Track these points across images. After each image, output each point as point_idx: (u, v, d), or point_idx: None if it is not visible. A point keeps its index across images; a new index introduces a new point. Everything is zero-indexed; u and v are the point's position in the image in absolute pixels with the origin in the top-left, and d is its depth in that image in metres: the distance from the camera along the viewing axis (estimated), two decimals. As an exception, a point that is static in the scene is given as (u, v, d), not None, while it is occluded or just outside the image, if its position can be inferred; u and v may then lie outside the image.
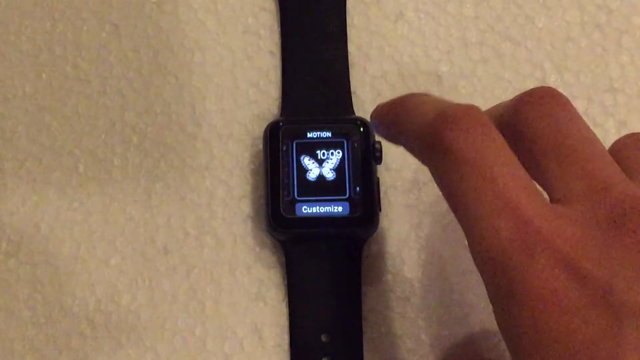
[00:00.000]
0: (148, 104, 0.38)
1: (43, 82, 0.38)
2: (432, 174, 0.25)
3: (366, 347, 0.34)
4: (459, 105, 0.25)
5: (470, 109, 0.25)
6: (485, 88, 0.37)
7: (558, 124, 0.25)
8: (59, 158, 0.37)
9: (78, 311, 0.35)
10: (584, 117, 0.35)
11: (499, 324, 0.23)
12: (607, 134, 0.36)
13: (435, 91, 0.37)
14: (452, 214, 0.35)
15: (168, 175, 0.37)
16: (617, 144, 0.27)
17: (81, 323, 0.35)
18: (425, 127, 0.25)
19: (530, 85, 0.37)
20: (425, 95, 0.28)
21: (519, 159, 0.26)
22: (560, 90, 0.36)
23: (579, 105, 0.37)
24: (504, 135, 0.27)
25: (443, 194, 0.25)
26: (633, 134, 0.27)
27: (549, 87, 0.27)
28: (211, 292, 0.35)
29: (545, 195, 0.24)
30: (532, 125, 0.26)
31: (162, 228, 0.36)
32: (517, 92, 0.36)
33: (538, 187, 0.24)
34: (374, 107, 0.36)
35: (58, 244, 0.36)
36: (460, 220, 0.24)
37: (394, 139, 0.29)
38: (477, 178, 0.23)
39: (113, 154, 0.37)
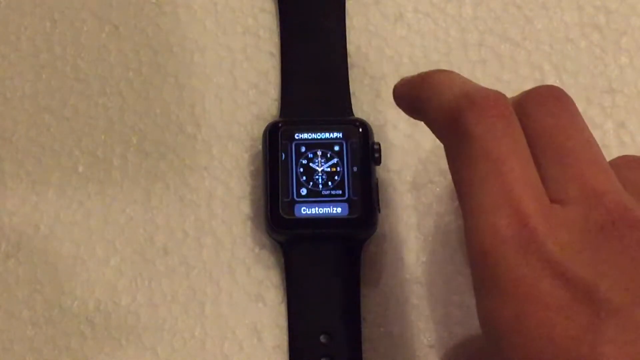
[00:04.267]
0: (147, 104, 0.38)
1: (43, 82, 0.38)
2: (446, 152, 0.26)
3: (365, 347, 0.34)
4: (487, 91, 0.25)
5: (499, 97, 0.25)
6: (484, 89, 0.37)
7: (561, 124, 0.25)
8: (59, 158, 0.37)
9: (77, 311, 0.35)
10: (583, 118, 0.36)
11: (480, 314, 0.23)
12: (606, 135, 0.36)
13: (435, 92, 0.37)
14: (450, 215, 0.35)
15: (167, 175, 0.37)
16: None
17: (81, 323, 0.35)
18: (450, 105, 0.25)
19: (529, 86, 0.37)
20: (453, 72, 0.28)
21: None
22: (559, 91, 0.37)
23: (578, 106, 0.36)
24: None
25: (452, 175, 0.25)
26: (625, 157, 0.28)
27: (556, 87, 0.27)
28: (210, 292, 0.35)
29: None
30: (536, 123, 0.26)
31: (162, 228, 0.36)
32: (516, 94, 0.36)
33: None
34: (373, 108, 0.37)
35: (57, 244, 0.36)
36: (462, 206, 0.24)
37: (415, 113, 0.29)
38: (488, 169, 0.24)
39: (112, 155, 0.37)
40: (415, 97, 0.28)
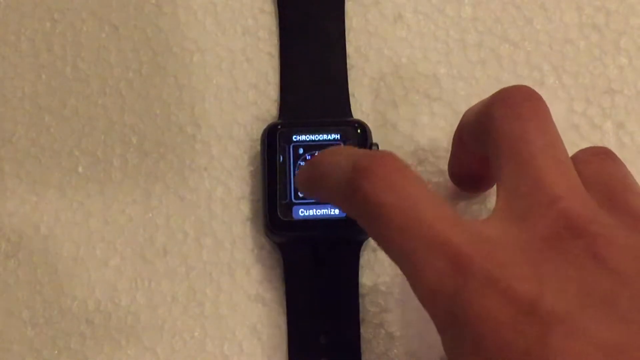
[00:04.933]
0: (147, 104, 0.38)
1: (42, 82, 0.38)
2: (359, 224, 0.26)
3: (364, 348, 0.34)
4: (372, 155, 0.26)
5: (383, 157, 0.25)
6: (483, 90, 0.37)
7: (522, 128, 0.26)
8: (58, 159, 0.37)
9: (77, 312, 0.35)
10: (583, 119, 0.36)
11: (448, 354, 0.24)
12: (605, 136, 0.36)
13: (434, 93, 0.37)
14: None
15: (167, 176, 0.37)
16: (572, 158, 0.27)
17: (80, 324, 0.35)
18: (343, 181, 0.26)
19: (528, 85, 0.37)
20: (339, 148, 0.29)
21: (488, 156, 0.27)
22: (559, 92, 0.37)
23: (578, 106, 0.37)
24: (477, 133, 0.28)
25: (375, 241, 0.26)
26: (588, 149, 0.28)
27: (524, 87, 0.27)
28: (210, 293, 0.35)
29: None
30: (498, 126, 0.26)
31: (162, 229, 0.36)
32: (515, 94, 0.36)
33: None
34: (372, 109, 0.37)
35: (57, 245, 0.36)
36: (395, 262, 0.25)
37: (318, 197, 0.30)
38: (401, 219, 0.24)
39: (112, 155, 0.37)
40: (312, 184, 0.29)
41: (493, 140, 0.27)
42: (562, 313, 0.22)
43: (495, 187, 0.31)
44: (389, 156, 0.25)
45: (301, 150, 0.34)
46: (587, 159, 0.27)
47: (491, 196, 0.34)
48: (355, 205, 0.25)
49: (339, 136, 0.35)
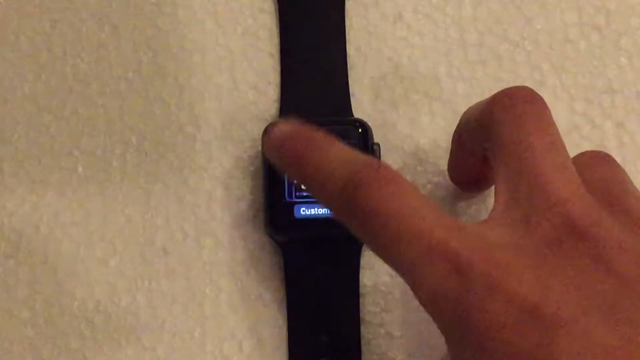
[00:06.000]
0: (147, 104, 0.38)
1: (42, 82, 0.38)
2: (356, 234, 0.26)
3: (364, 348, 0.34)
4: (366, 165, 0.25)
5: (377, 167, 0.25)
6: (483, 90, 0.37)
7: (523, 130, 0.26)
8: (58, 159, 0.37)
9: (77, 312, 0.35)
10: (583, 118, 0.36)
11: (453, 357, 0.24)
12: (606, 136, 0.36)
13: (434, 93, 0.37)
14: (450, 216, 0.35)
15: (167, 176, 0.37)
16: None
17: (80, 324, 0.35)
18: (336, 191, 0.25)
19: (529, 86, 0.37)
20: (328, 147, 0.27)
21: (489, 157, 0.27)
22: (559, 91, 0.37)
23: (578, 106, 0.37)
24: (476, 134, 0.28)
25: (372, 250, 0.26)
26: (586, 152, 0.28)
27: (525, 88, 0.27)
28: (210, 293, 0.35)
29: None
30: (498, 128, 0.26)
31: (161, 229, 0.36)
32: (516, 94, 0.36)
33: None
34: (373, 109, 0.37)
35: (57, 245, 0.36)
36: (396, 270, 0.25)
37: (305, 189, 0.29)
38: (399, 228, 0.24)
39: (112, 155, 0.37)
40: (297, 175, 0.29)
41: (493, 141, 0.27)
42: (566, 316, 0.22)
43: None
44: (383, 166, 0.25)
45: None
46: (586, 162, 0.27)
47: (491, 196, 0.34)
48: (353, 219, 0.25)
49: (340, 135, 0.34)
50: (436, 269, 0.23)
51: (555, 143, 0.26)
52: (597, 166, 0.27)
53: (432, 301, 0.24)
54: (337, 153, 0.27)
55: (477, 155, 0.31)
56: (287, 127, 0.29)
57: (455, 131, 0.32)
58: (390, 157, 0.36)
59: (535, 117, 0.26)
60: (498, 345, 0.22)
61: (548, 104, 0.26)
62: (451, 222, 0.24)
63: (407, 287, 0.34)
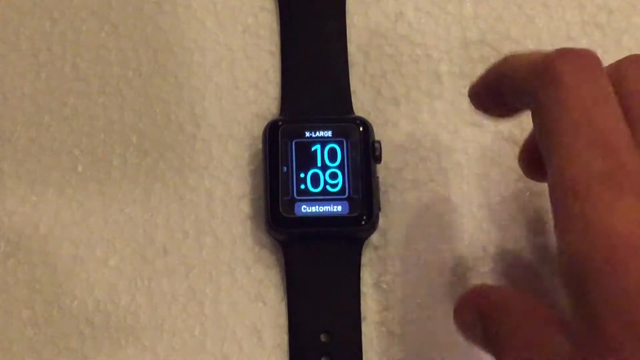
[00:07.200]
0: (147, 103, 0.38)
1: (42, 82, 0.38)
2: (533, 105, 0.25)
3: (365, 347, 0.34)
4: (578, 48, 0.25)
5: (589, 52, 0.25)
6: (485, 88, 0.37)
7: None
8: (58, 158, 0.37)
9: (77, 311, 0.35)
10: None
11: (565, 256, 0.23)
12: (608, 134, 0.36)
13: (435, 91, 0.37)
14: (452, 214, 0.35)
15: (167, 175, 0.37)
16: (618, 69, 0.27)
17: (80, 323, 0.35)
18: (539, 60, 0.25)
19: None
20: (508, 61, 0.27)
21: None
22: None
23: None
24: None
25: (538, 128, 0.25)
26: (632, 58, 0.27)
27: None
28: (210, 292, 0.35)
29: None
30: (630, 85, 0.25)
31: (161, 228, 0.36)
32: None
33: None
34: (374, 107, 0.37)
35: (57, 244, 0.36)
36: (550, 153, 0.24)
37: (495, 89, 0.28)
38: (580, 113, 0.23)
39: (112, 154, 0.37)
40: (495, 75, 0.28)
41: (623, 98, 0.25)
42: None
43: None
44: (594, 54, 0.25)
45: (302, 147, 0.34)
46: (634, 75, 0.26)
47: (494, 189, 0.34)
48: (543, 83, 0.25)
49: (341, 133, 0.34)
50: (594, 162, 0.23)
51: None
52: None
53: (572, 194, 0.23)
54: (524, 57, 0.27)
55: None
56: None
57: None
58: (391, 155, 0.36)
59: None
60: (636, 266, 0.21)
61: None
62: (624, 131, 0.24)
63: (408, 286, 0.34)
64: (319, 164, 0.34)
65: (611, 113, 0.24)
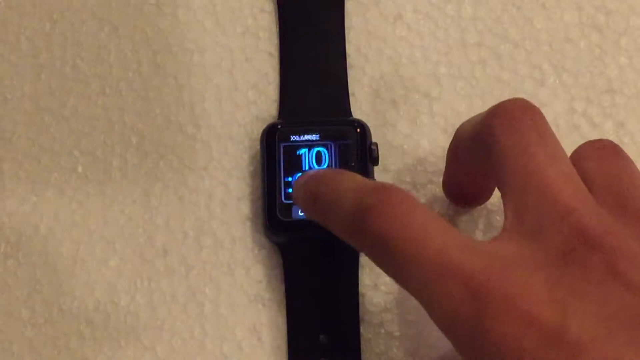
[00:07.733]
0: (147, 104, 0.38)
1: (42, 82, 0.38)
2: (370, 259, 0.26)
3: (364, 348, 0.34)
4: (376, 190, 0.25)
5: (388, 191, 0.25)
6: (483, 89, 0.37)
7: (523, 142, 0.25)
8: (58, 159, 0.37)
9: (77, 312, 0.35)
10: (583, 118, 0.36)
11: None
12: (606, 135, 0.36)
13: (434, 92, 0.37)
14: (450, 216, 0.35)
15: (167, 176, 0.37)
16: (576, 154, 0.27)
17: (80, 324, 0.35)
18: (348, 218, 0.25)
19: (529, 86, 0.37)
20: (338, 177, 0.28)
21: (488, 172, 0.27)
22: (559, 91, 0.37)
23: (578, 106, 0.37)
24: (474, 148, 0.28)
25: (387, 274, 0.26)
26: (592, 143, 0.28)
27: (521, 100, 0.27)
28: (210, 293, 0.35)
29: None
30: (499, 142, 0.26)
31: (161, 229, 0.36)
32: (516, 93, 0.36)
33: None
34: (372, 109, 0.37)
35: (57, 245, 0.36)
36: (411, 293, 0.24)
37: (320, 223, 0.29)
38: (411, 251, 0.24)
39: (112, 155, 0.37)
40: (315, 213, 0.29)
41: (495, 155, 0.26)
42: (590, 339, 0.21)
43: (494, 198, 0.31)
44: (393, 189, 0.25)
45: (301, 150, 0.34)
46: (591, 155, 0.27)
47: (493, 196, 0.34)
48: (363, 241, 0.25)
49: (338, 135, 0.34)
50: (450, 291, 0.23)
51: (557, 152, 0.25)
52: (603, 159, 0.27)
53: (448, 324, 0.23)
54: (347, 183, 0.27)
55: (474, 171, 0.30)
56: (305, 175, 0.30)
57: (450, 148, 0.32)
58: (390, 157, 0.36)
59: (534, 128, 0.26)
60: None
61: (548, 104, 0.26)
62: (463, 241, 0.24)
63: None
64: (317, 167, 0.34)
65: (441, 231, 0.24)
